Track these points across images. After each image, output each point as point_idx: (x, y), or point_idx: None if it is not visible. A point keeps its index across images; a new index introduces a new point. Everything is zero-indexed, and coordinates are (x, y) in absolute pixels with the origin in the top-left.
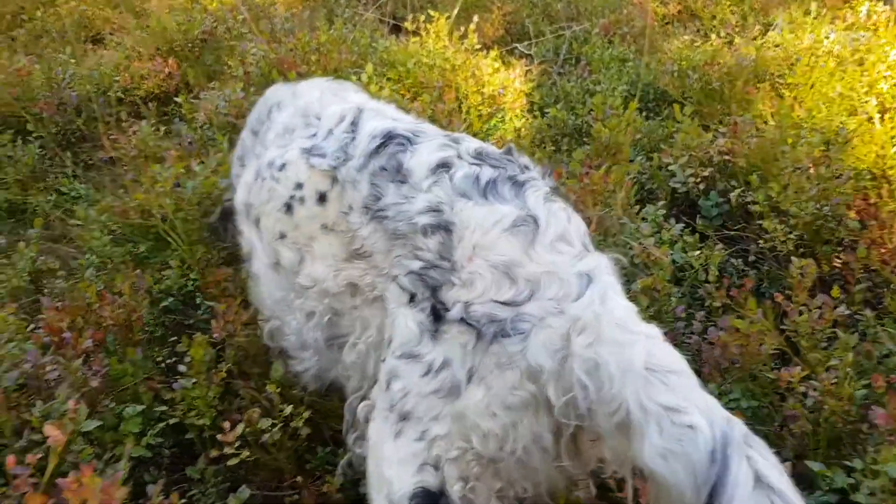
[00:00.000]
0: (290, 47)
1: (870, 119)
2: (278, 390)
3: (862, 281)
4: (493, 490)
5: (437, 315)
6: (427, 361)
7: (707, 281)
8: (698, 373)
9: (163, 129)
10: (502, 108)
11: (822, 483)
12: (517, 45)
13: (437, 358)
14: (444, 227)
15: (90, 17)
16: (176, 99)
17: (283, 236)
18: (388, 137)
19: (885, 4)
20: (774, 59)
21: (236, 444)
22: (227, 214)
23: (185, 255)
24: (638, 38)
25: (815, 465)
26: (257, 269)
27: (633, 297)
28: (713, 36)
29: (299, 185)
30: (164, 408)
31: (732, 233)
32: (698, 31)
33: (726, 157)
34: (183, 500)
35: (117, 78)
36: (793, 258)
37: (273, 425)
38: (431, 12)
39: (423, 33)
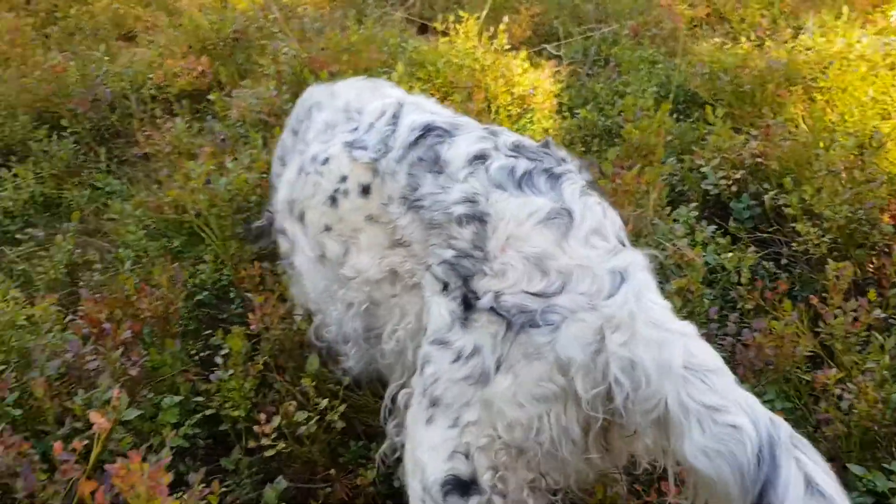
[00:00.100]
0: (321, 47)
1: None
2: (313, 384)
3: None
4: (525, 481)
5: (468, 304)
6: (457, 348)
7: (739, 283)
8: (732, 374)
9: (196, 126)
10: (531, 108)
11: (858, 485)
12: (546, 45)
13: (468, 345)
14: (479, 218)
15: (122, 15)
16: (209, 97)
17: (328, 229)
18: (427, 129)
19: None
20: (806, 63)
21: (273, 436)
22: (262, 233)
23: (219, 251)
24: (667, 40)
25: (856, 469)
26: (301, 264)
27: (666, 298)
28: (743, 39)
29: (343, 178)
30: (200, 399)
31: (765, 235)
32: (727, 33)
33: (758, 160)
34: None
35: (151, 75)
36: (829, 261)
37: (309, 418)
38: (461, 13)
39: (452, 33)
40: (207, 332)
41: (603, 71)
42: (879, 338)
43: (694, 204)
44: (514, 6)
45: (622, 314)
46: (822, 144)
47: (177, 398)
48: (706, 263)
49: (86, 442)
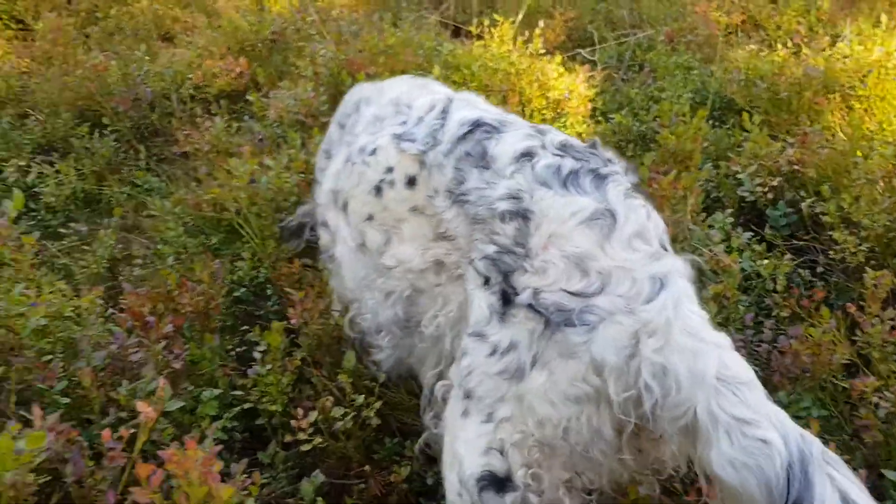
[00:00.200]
0: (358, 49)
1: None
2: (350, 380)
3: None
4: (561, 480)
5: (507, 299)
6: (493, 342)
7: (775, 290)
8: (768, 380)
9: (234, 126)
10: (565, 112)
11: (893, 494)
12: (580, 50)
13: (504, 340)
14: (522, 215)
15: (161, 16)
16: (247, 97)
17: (370, 218)
18: (476, 125)
19: None
20: (844, 71)
21: (309, 431)
22: (300, 229)
23: (258, 249)
24: (702, 46)
25: (892, 475)
26: (341, 253)
27: (703, 304)
28: (779, 46)
29: (389, 169)
30: (239, 393)
31: (801, 243)
32: (763, 40)
33: (795, 168)
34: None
35: (190, 76)
36: (866, 270)
37: (345, 414)
38: (496, 16)
39: (487, 37)
40: (244, 328)
41: (637, 76)
42: None
43: (730, 210)
44: (548, 11)
45: (659, 320)
46: (860, 153)
47: (216, 391)
48: (742, 270)
49: (131, 431)
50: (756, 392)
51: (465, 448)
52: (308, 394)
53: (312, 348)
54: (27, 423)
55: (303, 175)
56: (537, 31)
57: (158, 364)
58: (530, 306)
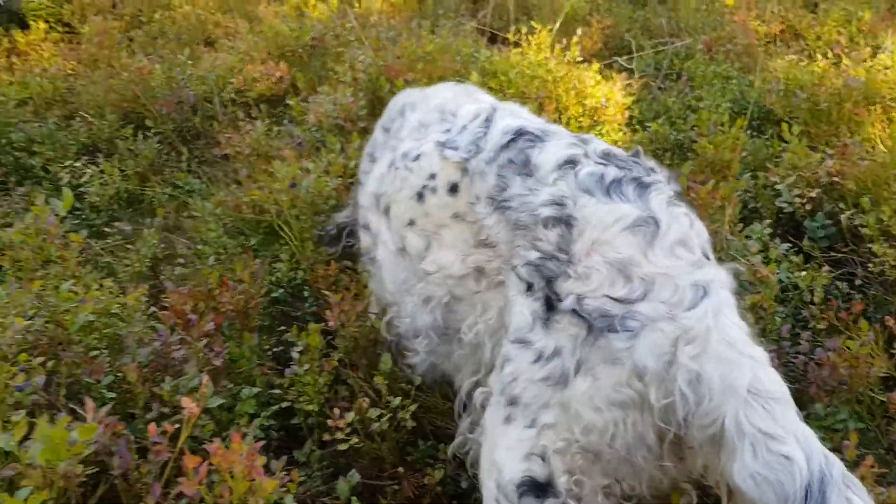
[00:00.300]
0: (396, 55)
1: None
2: (386, 382)
3: None
4: (600, 486)
5: (551, 305)
6: (538, 349)
7: (812, 302)
8: (804, 392)
9: (274, 129)
10: (601, 121)
11: None
12: (617, 58)
13: (548, 346)
14: (565, 221)
15: (203, 21)
16: (286, 102)
17: (412, 223)
18: (519, 133)
19: None
20: (885, 82)
21: (346, 431)
22: (338, 236)
23: (297, 251)
24: (741, 55)
25: None
26: (382, 257)
27: (740, 314)
28: (819, 56)
29: (432, 176)
30: (276, 392)
31: (839, 255)
32: (802, 51)
33: (834, 179)
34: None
35: (231, 80)
36: None
37: (381, 415)
38: (534, 24)
39: (524, 44)
40: (281, 328)
41: (675, 85)
42: None
43: (767, 221)
44: (585, 18)
45: (699, 328)
46: None
47: (254, 390)
48: (779, 281)
49: (175, 426)
50: (786, 409)
51: (505, 454)
52: (343, 395)
53: (349, 350)
54: (76, 416)
55: (341, 179)
56: (575, 38)
57: (200, 361)
58: (574, 312)
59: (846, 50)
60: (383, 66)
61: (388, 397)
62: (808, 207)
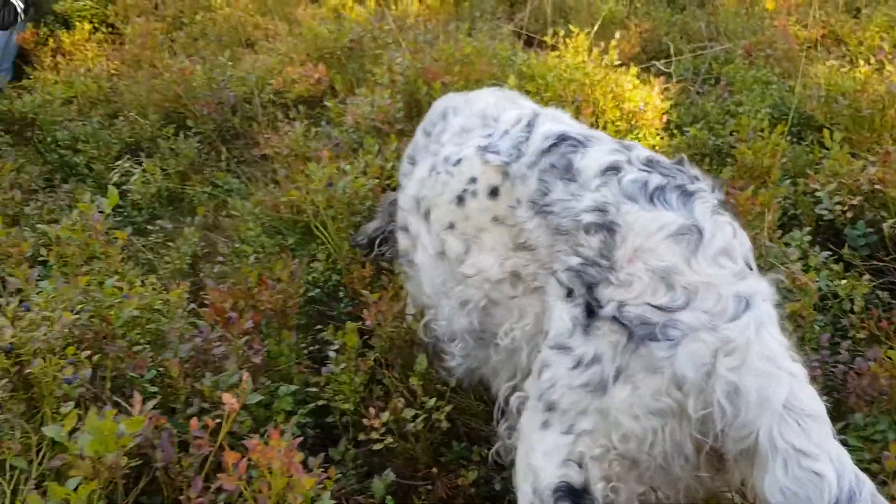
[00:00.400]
0: (434, 58)
1: None
2: (421, 383)
3: None
4: (636, 494)
5: (591, 311)
6: (577, 355)
7: (852, 311)
8: (843, 402)
9: (312, 130)
10: (639, 125)
11: None
12: (655, 62)
13: (588, 353)
14: (608, 227)
15: (242, 23)
16: (324, 103)
17: (451, 226)
18: (561, 139)
19: None
20: None
21: (381, 431)
22: (370, 244)
23: (333, 251)
24: (781, 60)
25: None
26: (421, 260)
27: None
28: (861, 62)
29: (473, 180)
30: (313, 390)
31: (880, 264)
32: (843, 56)
33: (876, 187)
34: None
35: (271, 81)
36: None
37: (416, 416)
38: (572, 27)
39: (562, 47)
40: (317, 327)
41: (713, 90)
42: None
43: (807, 228)
44: (623, 22)
45: (740, 340)
46: None
47: (292, 387)
48: (818, 289)
49: (216, 421)
50: (821, 426)
51: (542, 459)
52: (378, 394)
53: (385, 350)
54: (119, 409)
55: (378, 180)
56: (613, 42)
57: (239, 359)
58: (614, 319)
59: (889, 56)
60: (421, 68)
61: (423, 398)
62: (848, 215)
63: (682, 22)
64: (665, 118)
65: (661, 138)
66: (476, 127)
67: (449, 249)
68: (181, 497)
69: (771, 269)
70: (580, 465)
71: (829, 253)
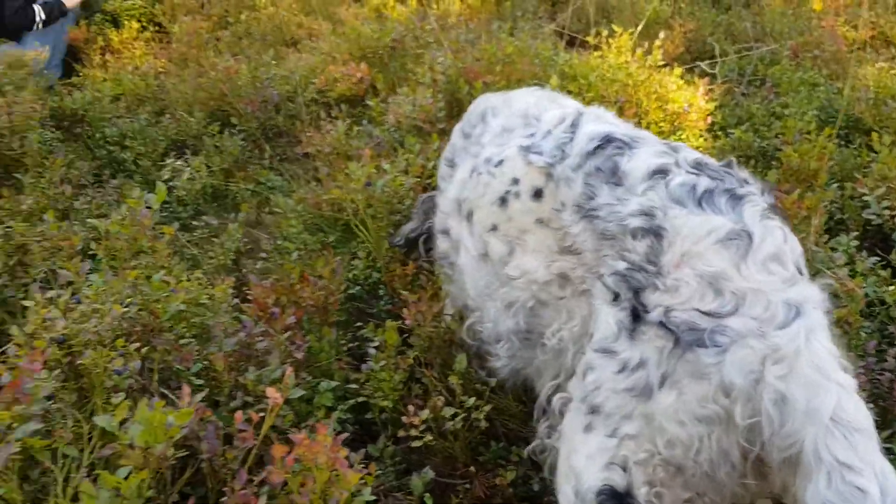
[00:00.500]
0: (475, 57)
1: None
2: (460, 382)
3: None
4: (681, 500)
5: (637, 316)
6: (622, 359)
7: None
8: (890, 411)
9: (354, 129)
10: (682, 126)
11: None
12: (699, 62)
13: (633, 357)
14: (655, 232)
15: (286, 22)
16: (366, 102)
17: (494, 228)
18: (607, 140)
19: None
20: None
21: (421, 428)
22: (412, 242)
23: (373, 249)
24: (829, 62)
25: None
26: (463, 262)
27: None
28: None
29: (516, 181)
30: (353, 386)
31: None
32: (893, 58)
33: None
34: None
35: (314, 80)
36: None
37: (455, 415)
38: (615, 27)
39: (605, 48)
40: (357, 324)
41: (759, 91)
42: None
43: (854, 233)
44: (667, 22)
45: (789, 348)
46: None
47: (333, 383)
48: (865, 295)
49: (260, 415)
50: (868, 441)
51: (584, 462)
52: (417, 392)
53: (424, 349)
54: (166, 401)
55: (419, 179)
56: (657, 42)
57: (282, 354)
58: (661, 324)
59: None
60: (462, 68)
61: (462, 397)
62: None
63: (727, 22)
64: (709, 119)
65: (705, 140)
66: (517, 127)
67: (492, 251)
68: (224, 489)
69: (817, 274)
70: (624, 469)
71: (877, 259)
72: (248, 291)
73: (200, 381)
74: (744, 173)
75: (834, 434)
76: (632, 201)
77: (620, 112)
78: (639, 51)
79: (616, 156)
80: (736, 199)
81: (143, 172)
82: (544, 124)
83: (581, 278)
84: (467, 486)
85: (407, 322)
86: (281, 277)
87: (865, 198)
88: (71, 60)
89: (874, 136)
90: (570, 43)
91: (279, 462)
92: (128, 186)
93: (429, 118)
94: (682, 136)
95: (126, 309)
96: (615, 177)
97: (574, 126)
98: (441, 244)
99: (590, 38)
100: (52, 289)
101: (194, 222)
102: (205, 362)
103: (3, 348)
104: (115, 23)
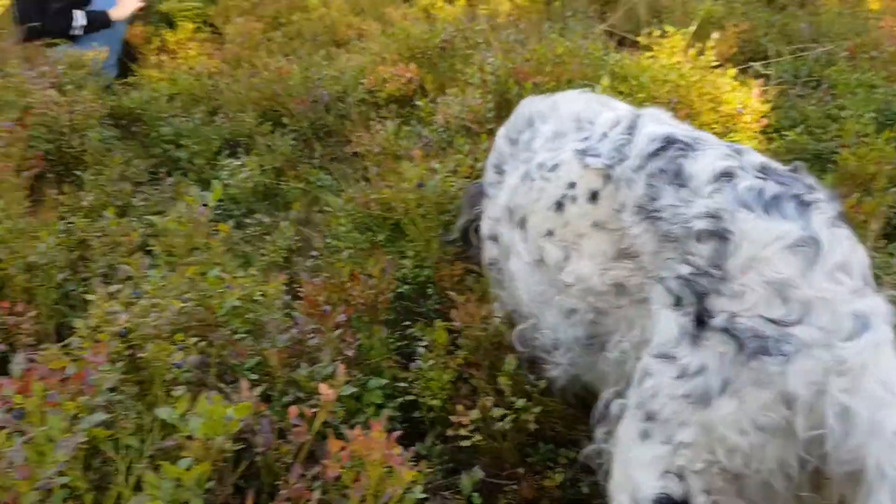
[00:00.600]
0: (525, 58)
1: None
2: (509, 383)
3: None
4: None
5: (701, 321)
6: (682, 364)
7: None
8: None
9: (403, 129)
10: (735, 128)
11: None
12: (753, 63)
13: (694, 363)
14: (721, 235)
15: (337, 23)
16: (414, 102)
17: (550, 234)
18: (668, 142)
19: None
20: None
21: (470, 428)
22: (465, 232)
23: (422, 249)
24: (888, 63)
25: None
26: (515, 268)
27: None
28: None
29: (571, 185)
30: (402, 384)
31: None
32: None
33: None
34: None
35: (363, 80)
36: None
37: (505, 415)
38: (667, 27)
39: (656, 48)
40: (405, 323)
41: (814, 93)
42: None
43: None
44: (720, 22)
45: (854, 361)
46: None
47: (382, 381)
48: None
49: (313, 410)
50: None
51: (641, 470)
52: (465, 392)
53: (472, 350)
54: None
55: (468, 179)
56: (710, 43)
57: (333, 351)
58: (725, 330)
59: None
60: (512, 68)
61: (511, 398)
62: None
63: (781, 22)
64: (763, 121)
65: (759, 142)
66: (570, 131)
67: (548, 257)
68: (277, 483)
69: (876, 281)
70: (681, 478)
71: None
72: (298, 289)
73: (255, 376)
74: (810, 179)
75: None
76: (697, 203)
77: (673, 113)
78: (691, 51)
79: (679, 157)
80: (804, 205)
81: (197, 170)
82: (599, 127)
83: (639, 286)
84: (514, 486)
85: (456, 323)
86: (331, 275)
87: None
88: (126, 60)
89: None
90: (621, 43)
91: (335, 457)
92: (183, 184)
93: (478, 118)
94: (736, 138)
95: (184, 304)
96: (679, 178)
97: (631, 128)
98: (490, 250)
99: (641, 39)
100: (111, 283)
101: (247, 220)
102: (259, 357)
103: (67, 341)
104: (171, 24)
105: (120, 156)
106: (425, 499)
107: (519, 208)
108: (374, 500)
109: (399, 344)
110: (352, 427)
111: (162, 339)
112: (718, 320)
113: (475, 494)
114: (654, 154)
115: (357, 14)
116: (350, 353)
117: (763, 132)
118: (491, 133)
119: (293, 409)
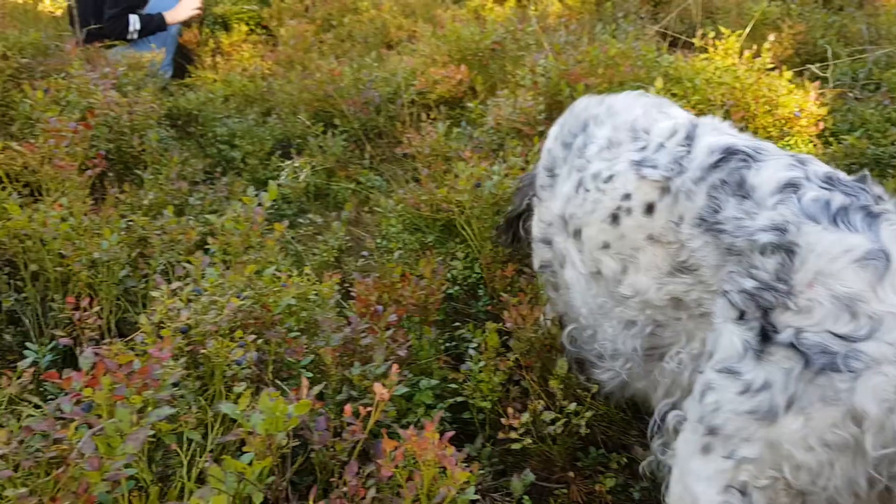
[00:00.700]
0: (577, 59)
1: None
2: (561, 387)
3: None
4: None
5: (766, 336)
6: (746, 380)
7: None
8: None
9: (454, 130)
10: (791, 132)
11: None
12: (810, 65)
13: (758, 378)
14: (787, 248)
15: (387, 25)
16: (464, 104)
17: (606, 246)
18: (729, 152)
19: None
20: None
21: (521, 431)
22: (511, 222)
23: (475, 249)
24: None
25: None
26: (570, 277)
27: None
28: None
29: (627, 196)
30: (452, 385)
31: None
32: None
33: None
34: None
35: (414, 82)
36: None
37: (556, 419)
38: (721, 28)
39: (711, 50)
40: (455, 324)
41: (873, 96)
42: None
43: None
44: (775, 23)
45: None
46: None
47: (433, 381)
48: None
49: (367, 409)
50: None
51: (701, 485)
52: (515, 395)
53: (523, 352)
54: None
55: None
56: (766, 45)
57: (385, 350)
58: (791, 345)
59: None
60: (564, 70)
61: (563, 402)
62: None
63: (839, 24)
64: (821, 125)
65: (815, 146)
66: (626, 141)
67: (606, 269)
68: (332, 479)
69: None
70: (743, 493)
71: None
72: (350, 288)
73: (310, 374)
74: (878, 189)
75: None
76: (762, 215)
77: (727, 116)
78: (746, 53)
79: (742, 168)
80: (872, 217)
81: (251, 170)
82: (655, 137)
83: (697, 301)
84: (564, 490)
85: (507, 324)
86: (383, 276)
87: None
88: (182, 61)
89: None
90: (673, 44)
91: (389, 455)
92: (238, 184)
93: (529, 120)
94: (792, 142)
95: (242, 302)
96: (742, 190)
97: (689, 138)
98: (543, 253)
99: (695, 40)
100: (170, 280)
101: (299, 220)
102: (313, 356)
103: (131, 336)
104: (225, 26)
105: (177, 155)
106: (476, 500)
107: (574, 219)
108: (427, 499)
109: (448, 345)
110: (404, 426)
111: (221, 335)
112: (784, 335)
113: (526, 497)
114: (715, 165)
115: (407, 16)
116: (402, 352)
117: (820, 136)
118: (542, 135)
119: (348, 408)
